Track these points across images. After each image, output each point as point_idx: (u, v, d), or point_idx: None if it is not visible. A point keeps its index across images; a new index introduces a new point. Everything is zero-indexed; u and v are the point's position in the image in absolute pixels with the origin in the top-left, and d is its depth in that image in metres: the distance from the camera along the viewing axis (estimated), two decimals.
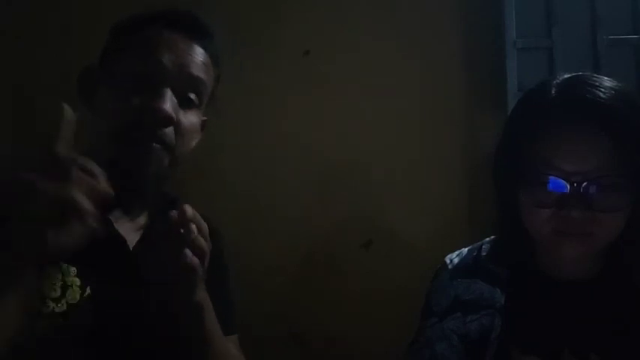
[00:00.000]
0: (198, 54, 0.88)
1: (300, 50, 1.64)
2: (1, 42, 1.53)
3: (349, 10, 1.66)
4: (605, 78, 0.80)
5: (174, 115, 0.82)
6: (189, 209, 0.75)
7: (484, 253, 0.94)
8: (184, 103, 0.85)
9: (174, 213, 0.74)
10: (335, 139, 1.63)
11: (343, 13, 1.66)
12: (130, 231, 0.86)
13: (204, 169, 1.49)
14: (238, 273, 1.06)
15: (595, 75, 0.81)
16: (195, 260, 0.75)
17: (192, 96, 0.86)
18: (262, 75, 1.61)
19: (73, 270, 0.78)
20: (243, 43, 1.59)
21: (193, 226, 0.74)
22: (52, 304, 0.75)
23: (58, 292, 0.76)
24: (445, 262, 0.98)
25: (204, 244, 0.76)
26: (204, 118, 0.93)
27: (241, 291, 1.06)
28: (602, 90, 0.77)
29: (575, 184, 0.76)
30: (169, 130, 0.83)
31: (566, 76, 0.83)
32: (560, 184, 0.77)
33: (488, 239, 0.96)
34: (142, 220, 0.90)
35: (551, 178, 0.77)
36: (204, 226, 0.77)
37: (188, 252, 0.74)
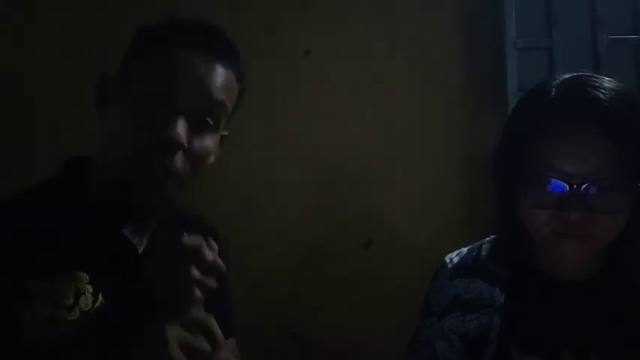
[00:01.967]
0: (220, 74, 0.84)
1: (300, 50, 1.64)
2: (1, 42, 1.53)
3: (349, 10, 1.66)
4: (606, 78, 0.80)
5: (184, 143, 0.79)
6: (198, 242, 0.73)
7: (484, 253, 0.94)
8: (200, 127, 0.83)
9: (185, 238, 0.73)
10: (335, 139, 1.63)
11: (343, 13, 1.66)
12: (139, 236, 0.86)
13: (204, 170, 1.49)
14: (238, 273, 1.06)
15: (595, 75, 0.81)
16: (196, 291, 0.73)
17: (209, 119, 0.83)
18: (262, 75, 1.61)
19: (86, 277, 0.77)
20: (243, 43, 1.59)
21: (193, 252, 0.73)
22: (65, 312, 0.75)
23: (71, 300, 0.75)
24: (445, 261, 0.98)
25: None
26: (225, 133, 0.91)
27: (241, 291, 1.06)
28: (603, 91, 0.77)
29: (574, 186, 0.76)
30: (178, 157, 0.80)
31: (566, 76, 0.82)
32: (560, 186, 0.77)
33: (488, 239, 0.96)
34: (152, 223, 0.89)
35: (551, 179, 0.77)
36: (210, 255, 0.74)
37: (195, 273, 0.72)
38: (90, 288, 0.77)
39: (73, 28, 1.54)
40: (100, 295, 0.78)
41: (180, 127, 0.79)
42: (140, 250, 0.85)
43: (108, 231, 0.82)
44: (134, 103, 0.81)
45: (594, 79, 0.79)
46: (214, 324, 0.71)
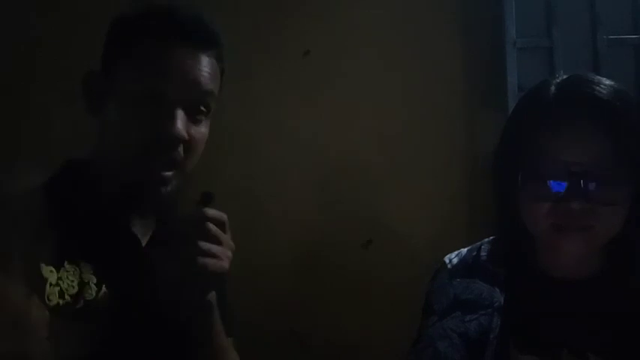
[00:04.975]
0: (206, 64, 0.86)
1: (300, 50, 1.64)
2: (1, 42, 1.53)
3: (349, 10, 1.66)
4: (604, 78, 0.82)
5: (186, 136, 0.83)
6: (210, 212, 0.78)
7: (483, 253, 0.95)
8: (195, 117, 0.85)
9: (197, 212, 0.77)
10: (335, 139, 1.63)
11: (343, 13, 1.66)
12: (143, 229, 0.87)
13: (204, 168, 1.49)
14: (239, 272, 1.06)
15: (594, 75, 0.83)
16: (208, 262, 0.76)
17: (202, 109, 0.86)
18: (262, 75, 1.62)
19: (90, 267, 0.79)
20: (243, 43, 1.59)
21: (211, 226, 0.77)
22: (70, 300, 0.76)
23: (76, 289, 0.77)
24: (444, 261, 0.98)
25: (218, 247, 0.78)
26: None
27: (241, 290, 1.06)
28: (601, 86, 0.79)
29: (573, 177, 0.77)
30: (181, 151, 0.83)
31: (565, 76, 0.85)
32: (559, 177, 0.78)
33: (487, 239, 0.96)
34: (152, 220, 0.90)
35: (550, 171, 0.78)
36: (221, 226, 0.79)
37: (200, 257, 0.75)
38: (94, 278, 0.79)
39: (73, 27, 1.54)
40: (104, 286, 0.79)
41: (180, 122, 0.82)
42: (144, 242, 0.86)
43: (112, 223, 0.84)
44: (128, 103, 0.82)
45: (593, 77, 0.82)
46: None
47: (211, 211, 0.79)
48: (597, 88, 0.79)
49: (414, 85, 1.67)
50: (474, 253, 0.96)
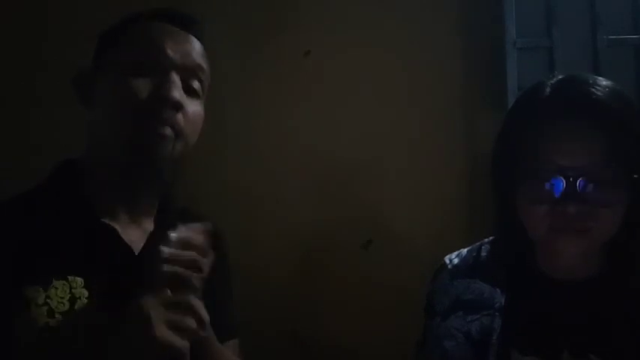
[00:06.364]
0: (195, 42, 0.89)
1: (300, 50, 1.64)
2: (1, 41, 1.53)
3: (349, 10, 1.66)
4: (600, 78, 0.82)
5: (180, 100, 0.83)
6: (175, 237, 0.73)
7: (484, 254, 0.95)
8: (188, 92, 0.86)
9: (173, 237, 0.73)
10: (335, 139, 1.63)
11: (343, 13, 1.66)
12: (136, 236, 0.86)
13: (205, 169, 1.49)
14: (239, 272, 1.06)
15: (590, 75, 0.83)
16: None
17: (196, 85, 0.87)
18: (262, 75, 1.61)
19: (81, 281, 0.77)
20: (243, 44, 1.59)
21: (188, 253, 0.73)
22: (60, 319, 0.74)
23: (67, 306, 0.75)
24: (445, 262, 0.98)
25: (198, 263, 0.73)
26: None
27: (241, 291, 1.06)
28: (596, 87, 0.79)
29: (570, 179, 0.76)
30: (179, 116, 0.83)
31: (561, 76, 0.84)
32: (556, 180, 0.77)
33: (487, 240, 0.96)
34: (148, 224, 0.89)
35: (547, 173, 0.78)
36: (200, 243, 0.75)
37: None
38: (85, 292, 0.77)
39: (73, 27, 1.54)
40: (96, 300, 0.77)
41: (175, 86, 0.83)
42: (137, 251, 0.84)
43: (103, 233, 0.82)
44: (124, 74, 0.83)
45: (588, 77, 0.82)
46: (198, 303, 0.71)
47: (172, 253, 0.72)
48: (592, 88, 0.79)
49: (413, 84, 1.66)
50: (475, 254, 0.96)
